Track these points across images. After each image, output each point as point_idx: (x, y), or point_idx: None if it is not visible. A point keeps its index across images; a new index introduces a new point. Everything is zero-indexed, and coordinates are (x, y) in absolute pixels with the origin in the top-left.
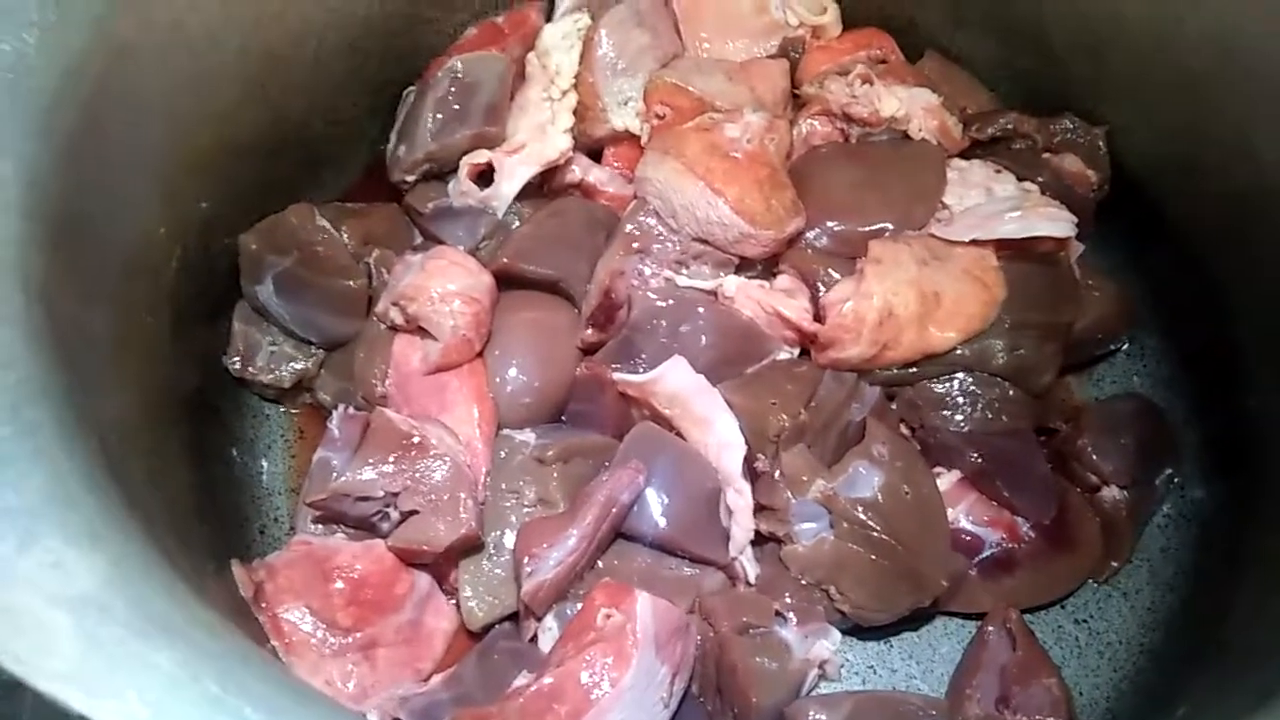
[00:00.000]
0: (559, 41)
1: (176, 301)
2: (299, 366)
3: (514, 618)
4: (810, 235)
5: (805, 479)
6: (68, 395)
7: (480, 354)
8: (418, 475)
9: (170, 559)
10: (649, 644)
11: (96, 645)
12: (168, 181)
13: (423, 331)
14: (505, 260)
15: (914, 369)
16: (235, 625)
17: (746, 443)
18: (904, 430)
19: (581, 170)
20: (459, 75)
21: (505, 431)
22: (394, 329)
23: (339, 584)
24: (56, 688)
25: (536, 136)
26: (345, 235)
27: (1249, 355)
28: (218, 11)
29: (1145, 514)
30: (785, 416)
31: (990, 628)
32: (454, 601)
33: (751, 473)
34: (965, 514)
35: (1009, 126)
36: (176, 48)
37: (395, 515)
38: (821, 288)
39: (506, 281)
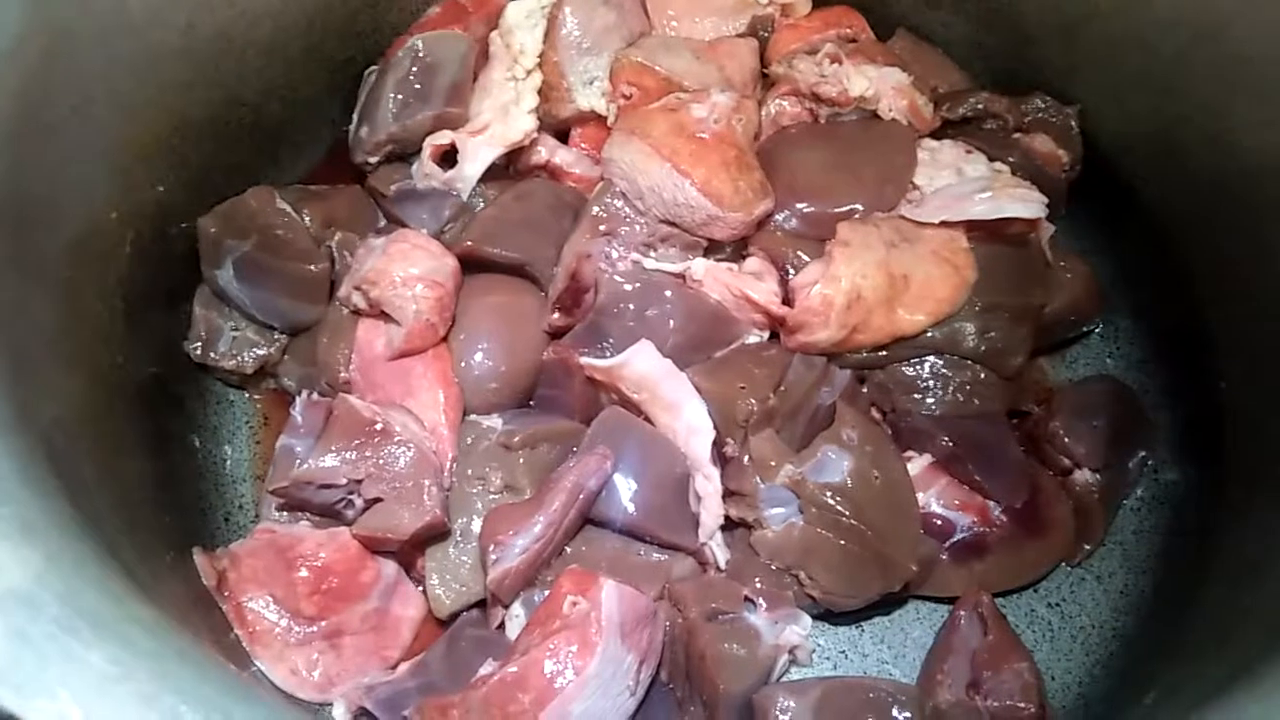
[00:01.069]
0: (523, 20)
1: (130, 287)
2: (261, 352)
3: (482, 605)
4: (779, 217)
5: (774, 464)
6: (5, 385)
7: (445, 339)
8: (381, 462)
9: (113, 552)
10: (614, 631)
11: (26, 642)
12: (117, 164)
13: (386, 316)
14: (470, 243)
15: (884, 352)
16: (184, 619)
17: (715, 427)
18: (874, 414)
19: (547, 151)
20: (420, 54)
21: (471, 417)
22: (357, 314)
23: (303, 572)
24: None
25: (500, 117)
26: (306, 218)
27: (1221, 337)
28: None
29: (1118, 497)
30: (754, 401)
31: (961, 612)
32: (421, 588)
33: (720, 458)
34: (936, 498)
35: (980, 106)
36: (119, 27)
37: (359, 502)
38: (790, 270)
39: (471, 265)
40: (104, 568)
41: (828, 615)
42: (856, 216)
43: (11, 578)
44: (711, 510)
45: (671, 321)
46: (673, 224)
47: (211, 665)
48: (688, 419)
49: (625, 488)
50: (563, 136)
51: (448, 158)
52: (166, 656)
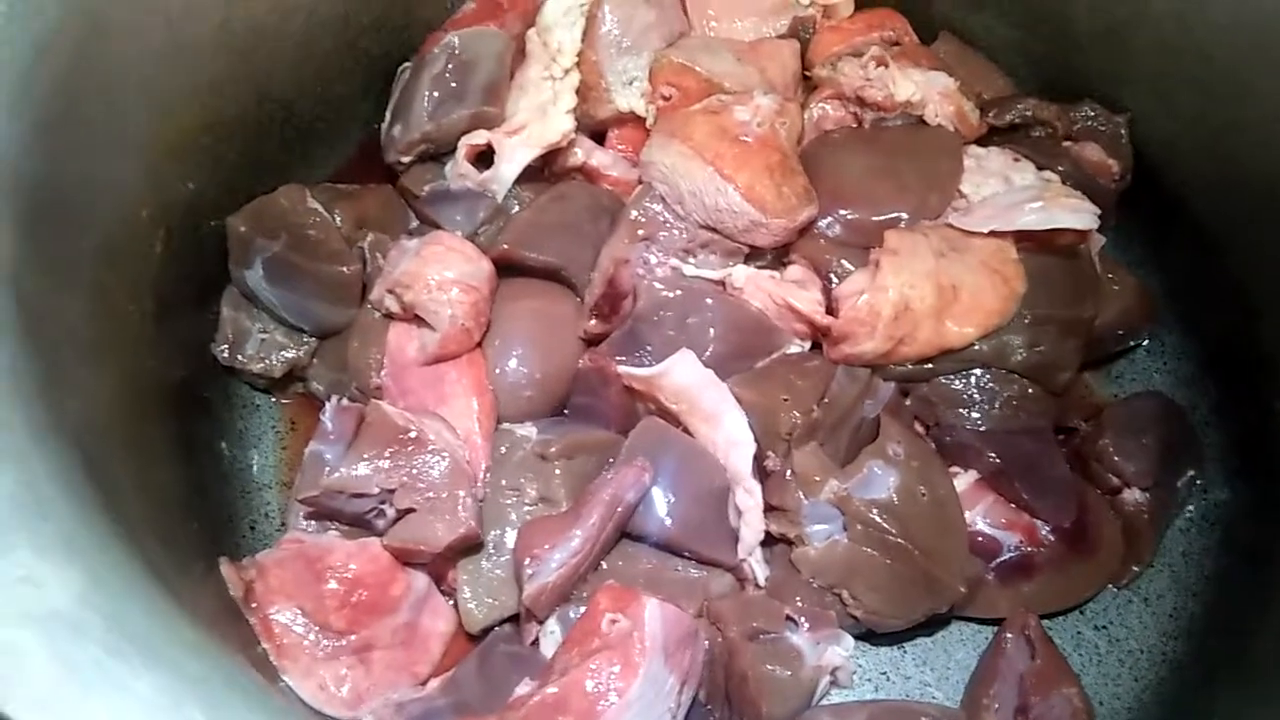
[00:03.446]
0: (561, 17)
1: (161, 287)
2: (290, 355)
3: (515, 620)
4: (822, 224)
5: (817, 479)
6: (40, 390)
7: (479, 344)
8: (414, 471)
9: (153, 568)
10: (657, 652)
11: (71, 669)
12: (150, 161)
13: (419, 320)
14: (505, 246)
15: (930, 365)
16: (222, 636)
17: (756, 440)
18: (919, 428)
19: (584, 153)
20: (456, 52)
21: (505, 425)
22: (389, 317)
23: (332, 584)
24: (27, 716)
25: (537, 117)
26: (338, 218)
27: (1274, 352)
28: None
29: (1167, 516)
30: (797, 413)
31: (1008, 634)
32: (452, 602)
33: (761, 471)
34: (982, 516)
35: (1028, 113)
36: (153, 20)
37: (391, 513)
38: (834, 279)
39: (506, 269)
40: (148, 585)
41: (869, 635)
42: (902, 224)
43: (55, 599)
44: (752, 525)
45: (712, 330)
46: (713, 229)
47: (260, 692)
48: (728, 431)
49: (663, 501)
50: (599, 138)
51: (483, 158)
52: (215, 683)
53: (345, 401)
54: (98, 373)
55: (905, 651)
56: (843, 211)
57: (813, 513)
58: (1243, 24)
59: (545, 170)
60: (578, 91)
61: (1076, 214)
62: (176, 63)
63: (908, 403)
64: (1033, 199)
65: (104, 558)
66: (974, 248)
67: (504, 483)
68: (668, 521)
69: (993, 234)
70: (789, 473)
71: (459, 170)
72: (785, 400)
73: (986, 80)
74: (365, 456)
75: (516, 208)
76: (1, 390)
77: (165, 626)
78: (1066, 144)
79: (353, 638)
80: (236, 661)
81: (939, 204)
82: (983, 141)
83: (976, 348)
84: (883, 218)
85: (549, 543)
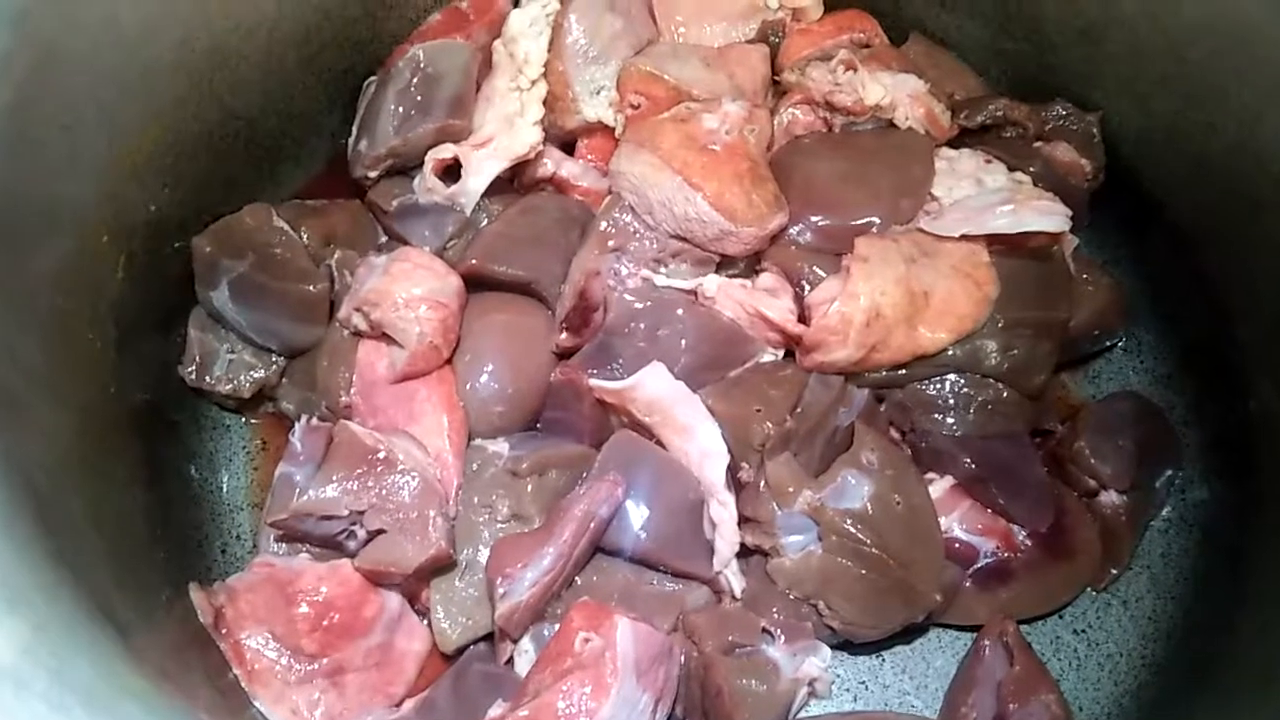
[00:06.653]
0: (527, 28)
1: (122, 313)
2: (259, 375)
3: (489, 638)
4: (793, 231)
5: (791, 489)
6: None
7: (449, 361)
8: (384, 492)
9: (105, 612)
10: (629, 671)
11: None
12: (108, 185)
13: (388, 338)
14: (474, 261)
15: (903, 371)
16: (184, 670)
17: (729, 451)
18: (894, 434)
19: (553, 164)
20: (422, 65)
21: (477, 442)
22: (358, 335)
23: (304, 608)
24: None
25: (505, 129)
26: (304, 236)
27: (1250, 351)
28: (154, 4)
29: (1145, 518)
30: (770, 423)
31: (986, 641)
32: (426, 622)
33: (735, 483)
34: (958, 522)
35: (999, 113)
36: (109, 45)
37: (362, 534)
38: (806, 286)
39: (476, 283)
40: (95, 631)
41: (847, 645)
42: (874, 230)
43: None
44: (727, 538)
45: (684, 341)
46: (684, 239)
47: None
48: (701, 443)
49: (637, 515)
50: (568, 148)
51: (450, 172)
52: None
53: (315, 421)
54: (55, 405)
55: (884, 660)
56: (814, 218)
57: (787, 524)
58: (1215, 24)
59: (514, 182)
60: (545, 102)
61: (1048, 216)
62: (136, 85)
63: (882, 409)
64: (1004, 201)
65: (50, 609)
66: (945, 252)
67: (476, 500)
68: (642, 536)
69: (964, 238)
70: (763, 484)
71: (427, 184)
72: (758, 410)
73: (958, 81)
74: (334, 478)
75: (485, 221)
76: None
77: (111, 677)
78: (1038, 144)
79: (325, 661)
80: (187, 705)
81: (911, 208)
82: (954, 143)
83: (950, 353)
84: (854, 223)
85: (522, 561)
